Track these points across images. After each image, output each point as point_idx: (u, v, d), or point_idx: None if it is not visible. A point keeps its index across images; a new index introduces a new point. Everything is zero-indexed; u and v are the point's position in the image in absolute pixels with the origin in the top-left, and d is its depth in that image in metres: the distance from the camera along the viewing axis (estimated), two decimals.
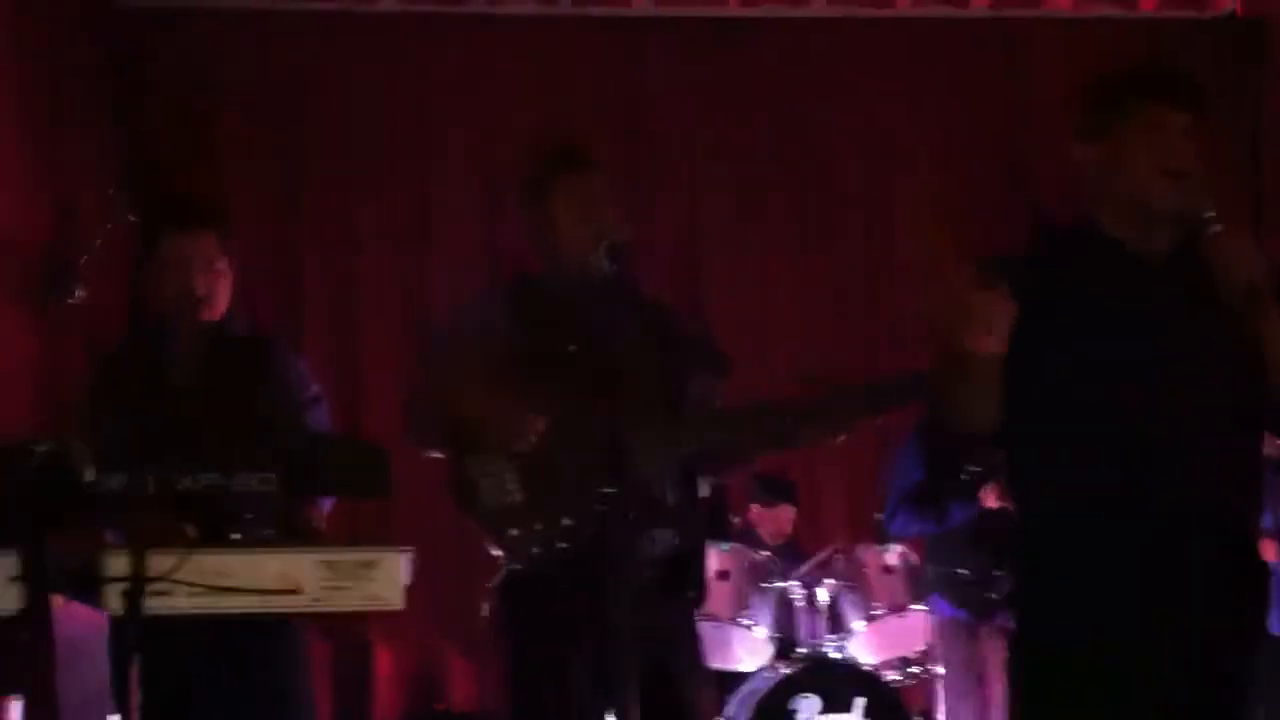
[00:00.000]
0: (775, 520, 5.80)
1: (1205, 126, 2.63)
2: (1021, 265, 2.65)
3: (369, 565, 2.32)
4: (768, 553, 5.30)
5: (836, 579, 5.15)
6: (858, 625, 5.09)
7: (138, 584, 2.23)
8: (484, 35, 6.40)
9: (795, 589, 5.14)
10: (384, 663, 6.20)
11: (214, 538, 2.43)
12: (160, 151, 5.96)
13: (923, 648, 5.19)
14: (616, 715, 3.04)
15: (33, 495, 2.28)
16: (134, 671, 2.40)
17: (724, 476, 3.58)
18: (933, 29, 6.57)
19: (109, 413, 3.38)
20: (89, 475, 2.29)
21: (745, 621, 5.09)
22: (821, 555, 5.25)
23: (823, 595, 5.13)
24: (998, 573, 4.89)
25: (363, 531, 3.37)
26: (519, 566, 3.14)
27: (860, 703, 4.83)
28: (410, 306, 6.17)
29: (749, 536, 5.61)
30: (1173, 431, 2.57)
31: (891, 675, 5.13)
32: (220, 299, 3.50)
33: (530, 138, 5.24)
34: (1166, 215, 2.60)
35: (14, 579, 2.31)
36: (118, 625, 2.55)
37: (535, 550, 3.10)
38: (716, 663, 5.01)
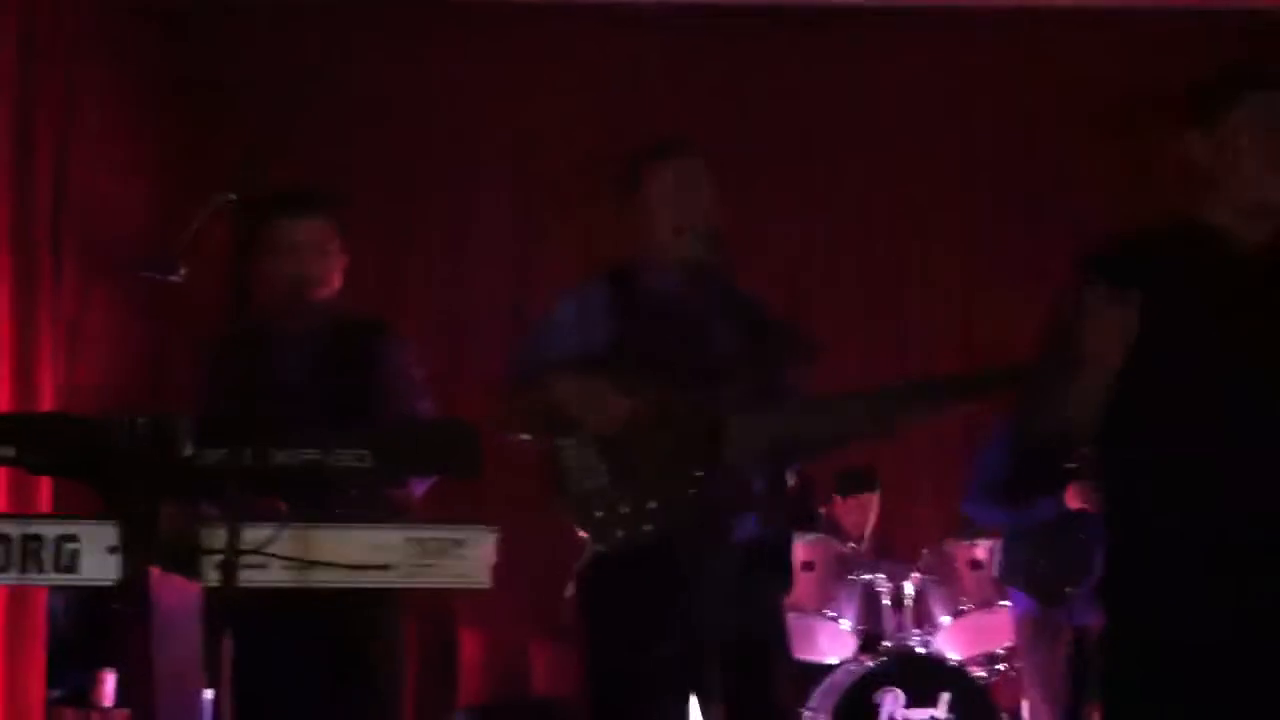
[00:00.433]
0: (859, 510, 5.75)
1: None
2: (1130, 266, 2.62)
3: (457, 543, 2.34)
4: (854, 545, 5.28)
5: (924, 573, 5.11)
6: (944, 620, 5.05)
7: (232, 557, 2.26)
8: (556, 22, 6.42)
9: (881, 582, 5.11)
10: (469, 647, 6.24)
11: (308, 513, 2.46)
12: (259, 138, 6.05)
13: (1010, 644, 5.13)
14: (701, 701, 3.05)
15: (132, 467, 2.32)
16: (227, 644, 2.45)
17: (811, 464, 3.56)
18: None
19: (221, 391, 3.43)
20: (187, 449, 2.33)
21: (830, 613, 5.07)
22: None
23: (909, 589, 5.09)
24: (1072, 573, 4.83)
25: (452, 511, 3.39)
26: (604, 550, 3.15)
27: (945, 698, 4.79)
28: (509, 296, 6.21)
29: (833, 530, 5.58)
30: (1272, 428, 2.53)
31: (978, 671, 5.08)
32: (332, 283, 3.55)
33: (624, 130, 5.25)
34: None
35: (112, 550, 2.36)
36: (212, 597, 2.59)
37: (620, 533, 3.11)
38: (800, 654, 4.98)
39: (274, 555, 2.30)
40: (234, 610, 2.40)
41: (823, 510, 5.69)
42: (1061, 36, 6.32)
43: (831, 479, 5.69)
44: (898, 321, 6.53)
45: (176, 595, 2.72)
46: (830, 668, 5.07)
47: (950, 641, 5.08)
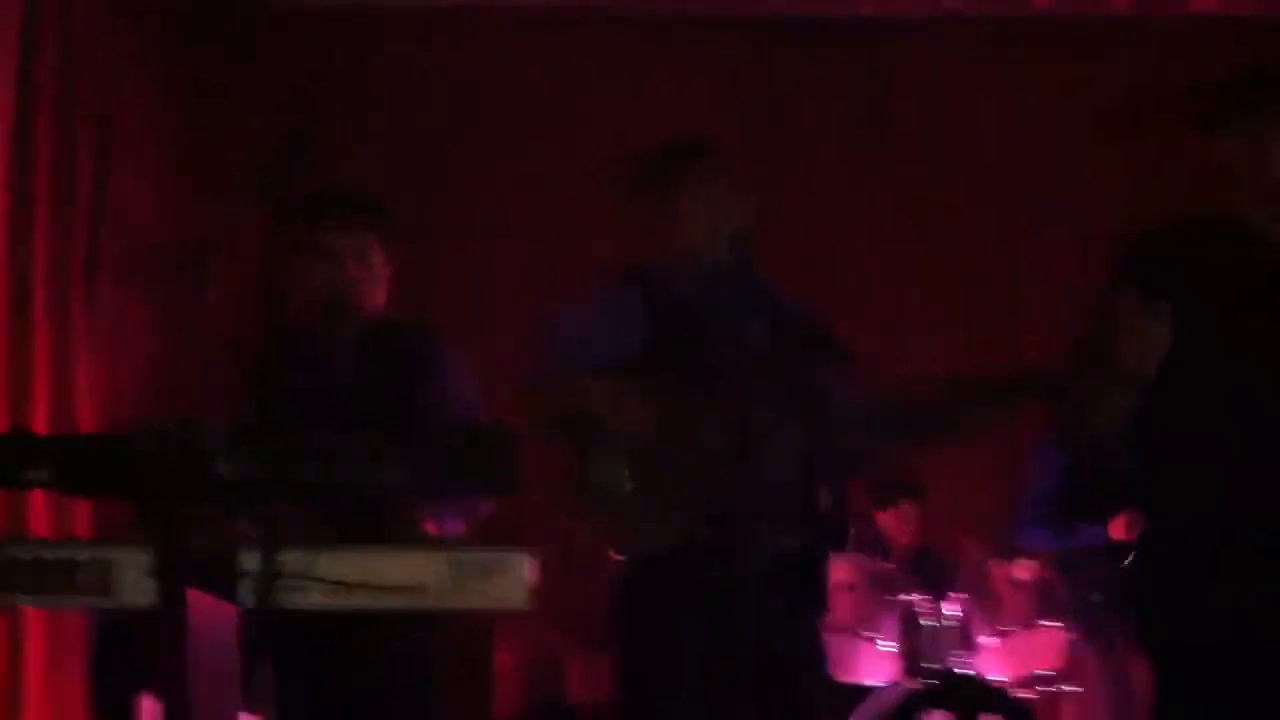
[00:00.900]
0: (901, 519, 5.69)
1: None
2: (1161, 270, 2.58)
3: (496, 565, 2.31)
4: (893, 564, 5.22)
5: (965, 593, 5.06)
6: (987, 641, 4.99)
7: (269, 578, 2.25)
8: (612, 30, 6.43)
9: (922, 602, 5.06)
10: (505, 658, 6.22)
11: (343, 531, 2.44)
12: (299, 149, 6.08)
13: (1055, 665, 5.06)
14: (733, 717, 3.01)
15: (165, 487, 2.31)
16: (265, 666, 2.43)
17: (846, 481, 3.51)
18: (1074, 25, 6.44)
19: (263, 402, 3.42)
20: (219, 464, 2.32)
21: (869, 634, 5.02)
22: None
23: (951, 609, 5.03)
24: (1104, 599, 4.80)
25: (488, 521, 3.38)
26: (634, 561, 3.12)
27: None
28: (541, 299, 6.20)
29: (878, 544, 5.52)
30: None
31: (1023, 693, 5.02)
32: (376, 293, 3.52)
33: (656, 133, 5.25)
34: None
35: (148, 572, 2.35)
36: (250, 619, 2.57)
37: (649, 545, 3.08)
38: (840, 676, 4.94)
39: (310, 577, 2.28)
40: (272, 632, 2.39)
41: (852, 531, 5.62)
42: (1078, 41, 6.32)
43: (869, 491, 5.66)
44: (934, 326, 6.48)
45: (213, 617, 2.71)
46: (870, 689, 5.02)
47: (994, 662, 5.01)
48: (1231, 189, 2.64)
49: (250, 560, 2.30)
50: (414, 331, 3.59)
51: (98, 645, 4.82)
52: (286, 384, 3.45)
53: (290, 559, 2.29)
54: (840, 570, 4.95)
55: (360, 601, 2.28)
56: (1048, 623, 5.00)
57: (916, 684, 4.85)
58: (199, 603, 2.42)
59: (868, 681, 5.06)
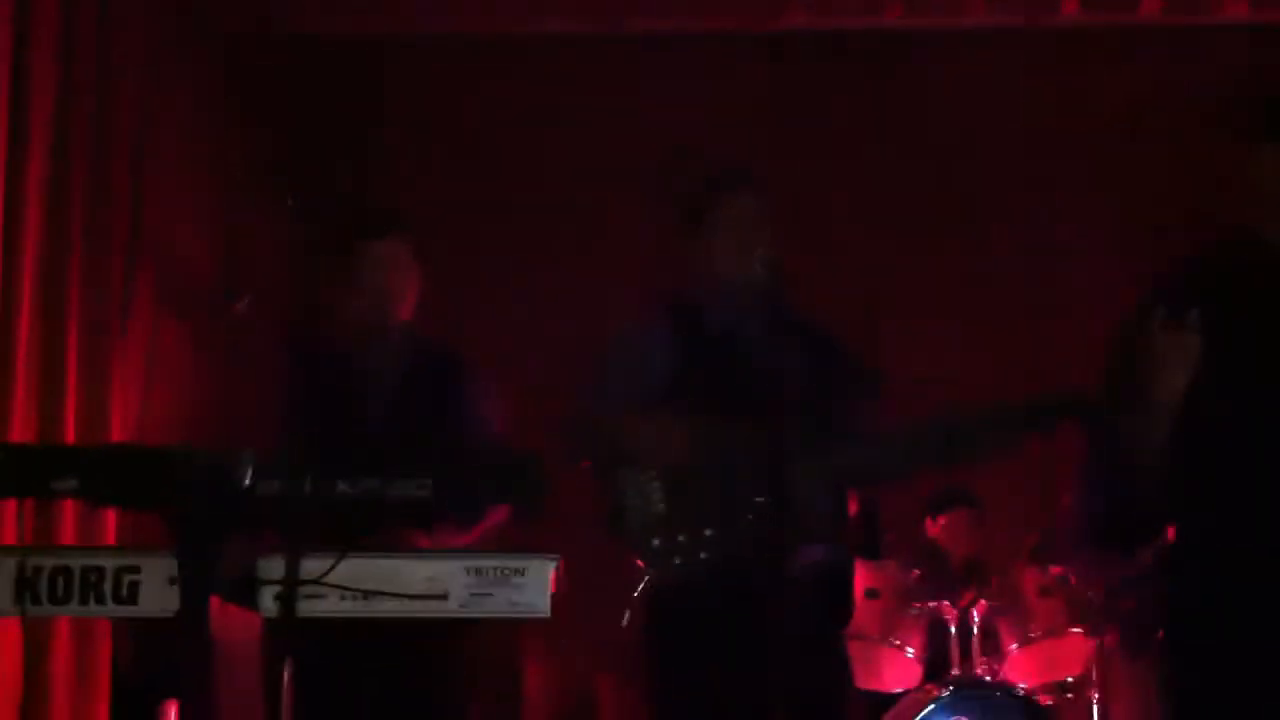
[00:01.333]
0: (955, 527, 5.66)
1: None
2: (1191, 291, 2.55)
3: (517, 572, 2.32)
4: (918, 571, 5.20)
5: (991, 600, 5.03)
6: (1013, 648, 4.96)
7: (291, 587, 2.25)
8: (649, 55, 6.43)
9: (948, 610, 5.04)
10: (534, 678, 6.22)
11: (368, 542, 2.44)
12: (333, 172, 6.14)
13: (1081, 672, 5.03)
14: None
15: (193, 498, 2.32)
16: (287, 675, 2.43)
17: (877, 493, 3.52)
18: (1095, 37, 6.41)
19: (300, 418, 3.45)
20: (247, 480, 2.32)
21: (895, 641, 5.00)
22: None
23: (976, 616, 5.01)
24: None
25: (517, 542, 3.38)
26: (663, 579, 3.12)
27: None
28: (574, 327, 6.21)
29: (933, 553, 5.49)
30: None
31: (1048, 700, 4.99)
32: (409, 305, 3.58)
33: (692, 160, 5.26)
34: None
35: (173, 581, 2.36)
36: (271, 628, 2.58)
37: (678, 561, 3.08)
38: (865, 684, 4.92)
39: (332, 585, 2.28)
40: (295, 641, 2.39)
41: (889, 539, 5.61)
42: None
43: (923, 501, 5.64)
44: (965, 349, 6.45)
45: (237, 626, 2.72)
46: (896, 697, 5.00)
47: (1020, 670, 4.99)
48: (1261, 205, 2.60)
49: (273, 569, 2.31)
50: (446, 358, 3.63)
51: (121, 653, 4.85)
52: (322, 401, 3.48)
53: (312, 567, 2.29)
54: (868, 578, 4.93)
55: (382, 609, 2.29)
56: (1075, 630, 4.96)
57: (942, 692, 4.82)
58: (223, 612, 2.43)
59: (894, 690, 5.04)
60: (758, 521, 2.98)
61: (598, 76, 6.41)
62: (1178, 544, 2.69)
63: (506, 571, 2.30)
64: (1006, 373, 6.29)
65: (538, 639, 6.02)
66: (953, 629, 5.01)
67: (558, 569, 2.35)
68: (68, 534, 4.42)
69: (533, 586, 2.31)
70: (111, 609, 2.37)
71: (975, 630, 4.98)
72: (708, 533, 3.06)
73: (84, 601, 2.36)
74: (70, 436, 4.54)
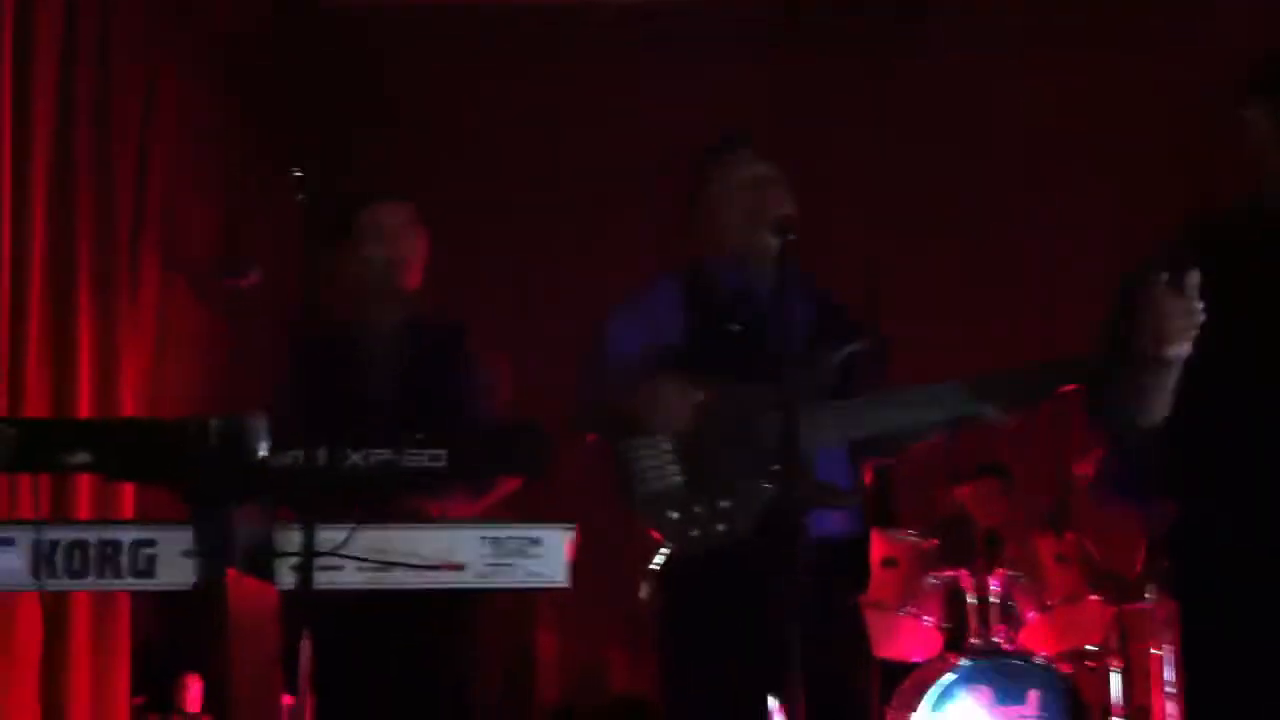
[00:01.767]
0: (982, 495, 5.65)
1: None
2: (1191, 254, 2.51)
3: (533, 542, 2.31)
4: (935, 539, 5.19)
5: (1009, 568, 5.02)
6: (1031, 616, 4.95)
7: (307, 559, 2.25)
8: (658, 29, 6.40)
9: (966, 578, 5.03)
10: (547, 649, 6.23)
11: (382, 513, 2.44)
12: (336, 147, 6.14)
13: (1100, 639, 5.02)
14: (780, 702, 2.99)
15: (207, 471, 2.31)
16: (304, 647, 2.43)
17: (891, 461, 3.49)
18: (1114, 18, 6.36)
19: (303, 391, 3.44)
20: (262, 451, 2.32)
21: (913, 610, 5.00)
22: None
23: (994, 584, 5.00)
24: None
25: (529, 515, 3.38)
26: (680, 551, 3.11)
27: (1034, 696, 4.69)
28: (582, 294, 6.20)
29: (959, 520, 5.48)
30: None
31: (1067, 667, 4.98)
32: (416, 268, 3.56)
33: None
34: None
35: (187, 553, 2.36)
36: (289, 600, 2.58)
37: (695, 533, 3.06)
38: (883, 653, 4.91)
39: (348, 557, 2.28)
40: (312, 612, 2.39)
41: (900, 513, 5.60)
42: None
43: (951, 469, 5.64)
44: (972, 314, 6.44)
45: (254, 599, 2.71)
46: (914, 666, 5.00)
47: (1037, 637, 4.98)
48: (1257, 168, 2.56)
49: (290, 541, 2.31)
50: (451, 328, 3.62)
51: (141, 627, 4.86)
52: (329, 373, 3.47)
53: (327, 539, 2.29)
54: (885, 547, 4.92)
55: (397, 580, 2.29)
56: (1093, 596, 4.96)
57: (961, 660, 4.82)
58: (239, 584, 2.43)
59: (912, 659, 5.04)
60: (774, 491, 2.96)
61: (597, 48, 6.39)
62: (1179, 518, 2.65)
63: (523, 542, 2.30)
64: (1011, 340, 6.29)
65: (552, 609, 6.03)
66: (971, 597, 4.99)
67: (574, 538, 2.34)
68: (84, 508, 4.43)
69: (549, 556, 2.31)
70: (129, 582, 2.37)
71: (993, 599, 4.97)
72: (724, 504, 3.04)
73: (101, 575, 2.36)
74: (83, 411, 4.55)
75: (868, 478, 3.34)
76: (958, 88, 6.48)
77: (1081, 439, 5.12)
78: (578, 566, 2.40)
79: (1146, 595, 4.90)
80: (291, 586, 2.31)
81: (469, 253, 6.21)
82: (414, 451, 2.38)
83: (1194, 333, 2.36)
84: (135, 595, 4.50)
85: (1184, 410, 2.48)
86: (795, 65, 6.44)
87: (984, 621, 4.97)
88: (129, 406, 4.80)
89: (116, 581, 2.38)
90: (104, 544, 2.38)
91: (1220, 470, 2.51)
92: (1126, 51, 6.31)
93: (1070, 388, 3.03)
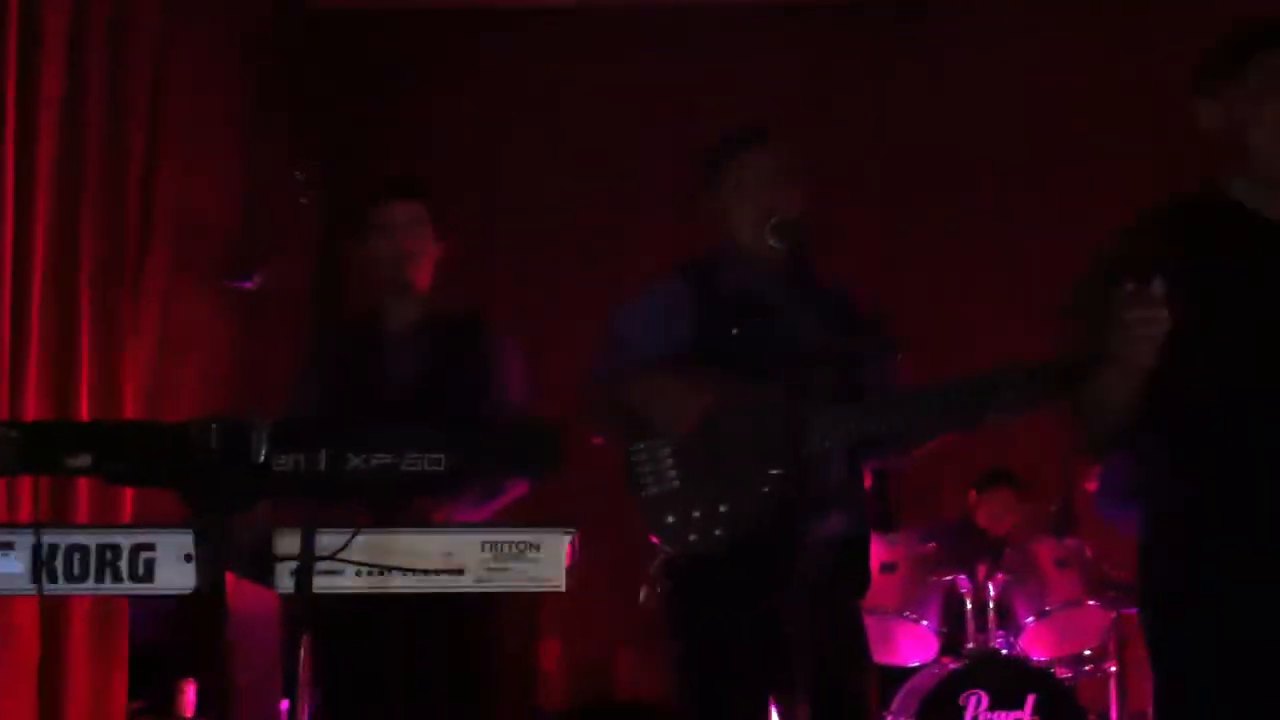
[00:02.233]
0: (995, 505, 5.66)
1: None
2: (1151, 242, 2.50)
3: (533, 546, 2.31)
4: (934, 544, 5.19)
5: (1008, 573, 5.02)
6: (1029, 620, 4.95)
7: (307, 563, 2.25)
8: (682, 25, 6.40)
9: (964, 582, 5.03)
10: (551, 652, 6.23)
11: (383, 517, 2.44)
12: (351, 145, 6.15)
13: (1098, 644, 5.02)
14: (782, 704, 2.99)
15: (207, 474, 2.31)
16: (304, 651, 2.43)
17: (896, 462, 3.49)
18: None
19: (324, 383, 3.45)
20: (262, 454, 2.32)
21: (911, 615, 4.99)
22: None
23: (993, 589, 5.00)
24: None
25: (532, 516, 3.37)
26: (678, 555, 3.10)
27: (1031, 700, 4.69)
28: (597, 294, 6.20)
29: (970, 529, 5.48)
30: None
31: (1065, 672, 4.98)
32: (427, 265, 3.57)
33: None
34: None
35: (189, 558, 2.35)
36: (288, 604, 2.58)
37: (692, 538, 3.06)
38: (881, 657, 4.92)
39: (348, 561, 2.28)
40: (313, 616, 2.39)
41: (899, 517, 5.60)
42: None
43: (969, 476, 5.64)
44: (972, 314, 6.44)
45: (254, 603, 2.71)
46: (912, 670, 4.99)
47: (1037, 642, 4.98)
48: (1214, 157, 2.55)
49: (290, 545, 2.30)
50: (467, 318, 3.62)
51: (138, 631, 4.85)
52: (342, 371, 3.47)
53: (329, 542, 2.29)
54: (884, 552, 4.92)
55: (398, 584, 2.28)
56: (1092, 601, 4.95)
57: (958, 664, 4.82)
58: (239, 588, 2.42)
59: (910, 663, 5.04)
60: (774, 495, 2.95)
61: (610, 43, 6.41)
62: (1149, 529, 2.62)
63: (523, 546, 2.29)
64: (1023, 340, 6.26)
65: (556, 610, 6.02)
66: (969, 602, 4.99)
67: (574, 542, 2.33)
68: (83, 512, 4.43)
69: (549, 560, 2.30)
70: (128, 586, 2.37)
71: (992, 603, 4.97)
72: (723, 508, 3.03)
73: (100, 579, 2.36)
74: (84, 413, 4.54)
75: (867, 481, 3.33)
76: (958, 88, 6.49)
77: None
78: (583, 568, 2.39)
79: None
80: (291, 591, 2.31)
81: (476, 253, 6.23)
82: (414, 455, 2.37)
83: (1159, 341, 2.34)
84: (132, 600, 4.50)
85: (1158, 412, 2.46)
86: (795, 65, 6.44)
87: (982, 626, 4.97)
88: (131, 409, 4.80)
89: (116, 586, 2.38)
90: (103, 548, 2.37)
91: (1184, 475, 2.49)
92: (1127, 51, 6.31)
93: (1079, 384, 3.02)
